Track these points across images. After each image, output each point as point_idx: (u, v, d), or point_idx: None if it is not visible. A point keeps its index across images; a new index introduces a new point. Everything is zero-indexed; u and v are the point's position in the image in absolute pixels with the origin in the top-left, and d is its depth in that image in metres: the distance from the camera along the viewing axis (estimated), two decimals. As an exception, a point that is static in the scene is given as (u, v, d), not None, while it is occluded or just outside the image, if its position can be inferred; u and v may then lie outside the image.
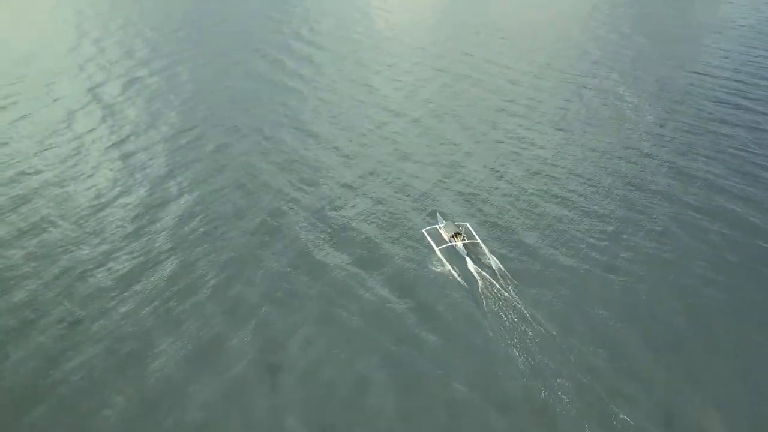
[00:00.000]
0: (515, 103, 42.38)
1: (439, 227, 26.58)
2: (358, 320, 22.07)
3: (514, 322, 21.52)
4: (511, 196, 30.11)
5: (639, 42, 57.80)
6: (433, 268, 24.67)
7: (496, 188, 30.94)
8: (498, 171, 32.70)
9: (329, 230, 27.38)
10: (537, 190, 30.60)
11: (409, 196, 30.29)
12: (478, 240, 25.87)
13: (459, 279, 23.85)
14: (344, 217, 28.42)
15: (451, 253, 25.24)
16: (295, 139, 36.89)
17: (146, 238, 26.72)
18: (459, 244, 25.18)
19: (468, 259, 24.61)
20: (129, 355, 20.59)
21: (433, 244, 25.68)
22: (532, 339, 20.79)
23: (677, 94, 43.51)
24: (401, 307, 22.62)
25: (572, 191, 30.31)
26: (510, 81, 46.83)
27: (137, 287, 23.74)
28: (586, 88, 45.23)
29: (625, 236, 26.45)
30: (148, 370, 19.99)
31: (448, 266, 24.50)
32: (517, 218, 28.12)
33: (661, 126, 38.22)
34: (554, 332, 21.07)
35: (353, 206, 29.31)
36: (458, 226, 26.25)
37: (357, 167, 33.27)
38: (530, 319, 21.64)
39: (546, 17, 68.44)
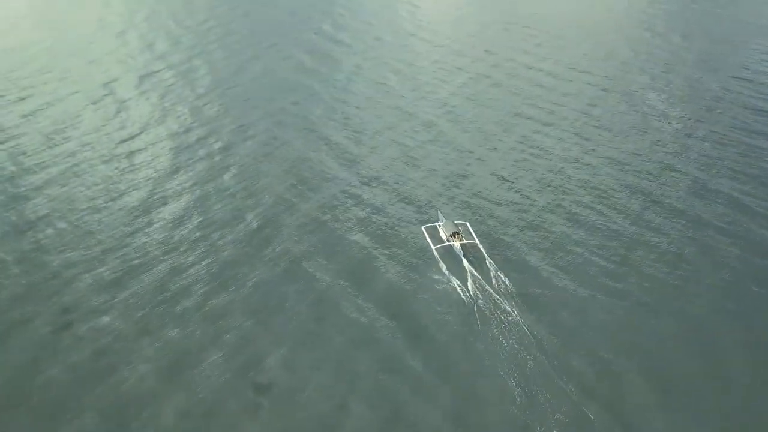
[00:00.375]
0: (534, 106, 40.51)
1: (439, 225, 26.13)
2: (345, 329, 21.33)
3: (508, 338, 20.44)
4: (518, 204, 28.70)
5: (674, 42, 54.85)
6: (428, 268, 24.07)
7: (505, 196, 29.56)
8: (508, 179, 31.23)
9: (327, 232, 26.70)
10: (547, 201, 29.03)
11: (412, 202, 29.20)
12: (477, 241, 25.12)
13: (453, 282, 23.06)
14: (344, 219, 27.61)
15: (448, 253, 24.51)
16: (304, 140, 36.03)
17: (140, 242, 26.29)
18: (456, 244, 24.64)
19: (464, 261, 23.98)
20: (109, 366, 20.09)
21: (431, 243, 25.13)
22: (527, 359, 19.66)
23: (710, 101, 40.95)
24: (390, 314, 21.84)
25: (583, 205, 28.64)
26: (530, 82, 44.88)
27: (125, 293, 23.29)
28: (610, 91, 43.00)
29: (636, 257, 24.75)
30: (126, 383, 19.43)
31: (443, 267, 23.91)
32: (523, 228, 26.81)
33: (688, 135, 35.95)
34: (551, 354, 19.83)
35: (355, 208, 28.50)
36: (458, 225, 25.70)
37: (363, 170, 32.30)
38: (526, 334, 20.52)
39: (577, 14, 65.64)
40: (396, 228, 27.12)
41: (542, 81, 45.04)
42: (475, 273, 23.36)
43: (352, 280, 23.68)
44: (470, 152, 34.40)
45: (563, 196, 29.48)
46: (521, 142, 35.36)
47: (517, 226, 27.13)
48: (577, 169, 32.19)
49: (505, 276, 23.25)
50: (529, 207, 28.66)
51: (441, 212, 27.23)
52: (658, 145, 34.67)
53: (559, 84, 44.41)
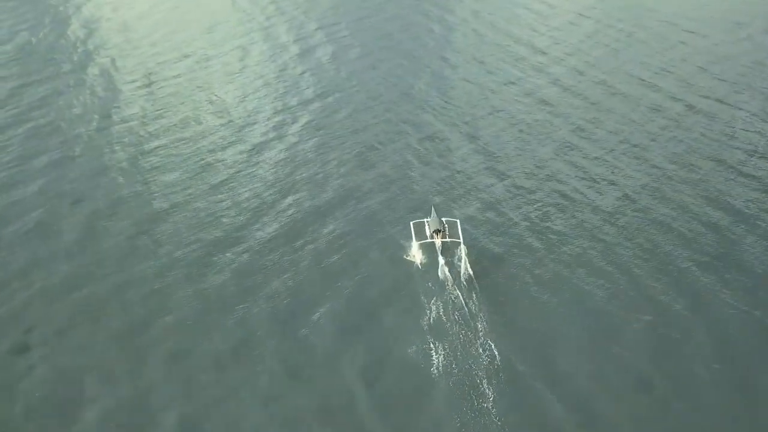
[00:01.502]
0: (570, 124, 35.39)
1: (427, 221, 25.80)
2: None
3: (460, 341, 20.06)
4: (525, 221, 26.62)
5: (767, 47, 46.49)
6: (405, 264, 24.04)
7: (514, 211, 27.37)
8: (521, 196, 28.48)
9: (321, 220, 26.96)
10: (557, 228, 25.96)
11: (413, 199, 28.54)
12: (461, 241, 24.30)
13: (426, 280, 22.97)
14: (339, 213, 27.47)
15: (429, 250, 24.27)
16: (313, 142, 33.78)
17: (94, 258, 25.34)
18: (437, 241, 24.10)
19: (440, 258, 23.60)
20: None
21: (413, 239, 24.91)
22: (479, 371, 18.99)
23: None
24: (349, 304, 22.14)
25: (597, 250, 24.64)
26: (571, 93, 39.03)
27: (75, 301, 22.67)
28: (664, 110, 36.20)
29: (635, 323, 20.92)
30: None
31: (419, 263, 23.96)
32: (519, 245, 24.96)
33: (743, 176, 29.64)
34: (507, 372, 18.87)
35: (356, 204, 28.20)
36: (445, 222, 25.12)
37: (374, 170, 31.05)
38: (480, 340, 20.14)
39: (666, 6, 57.36)
40: (386, 222, 26.81)
41: (587, 93, 39.31)
42: (448, 274, 23.00)
43: (325, 278, 23.61)
44: (484, 162, 31.36)
45: (574, 229, 26.13)
46: (540, 165, 31.09)
47: (513, 240, 25.42)
48: (596, 208, 27.57)
49: (479, 281, 22.62)
50: (534, 227, 26.26)
51: (434, 208, 26.73)
52: (700, 184, 29.02)
53: (604, 98, 38.46)
